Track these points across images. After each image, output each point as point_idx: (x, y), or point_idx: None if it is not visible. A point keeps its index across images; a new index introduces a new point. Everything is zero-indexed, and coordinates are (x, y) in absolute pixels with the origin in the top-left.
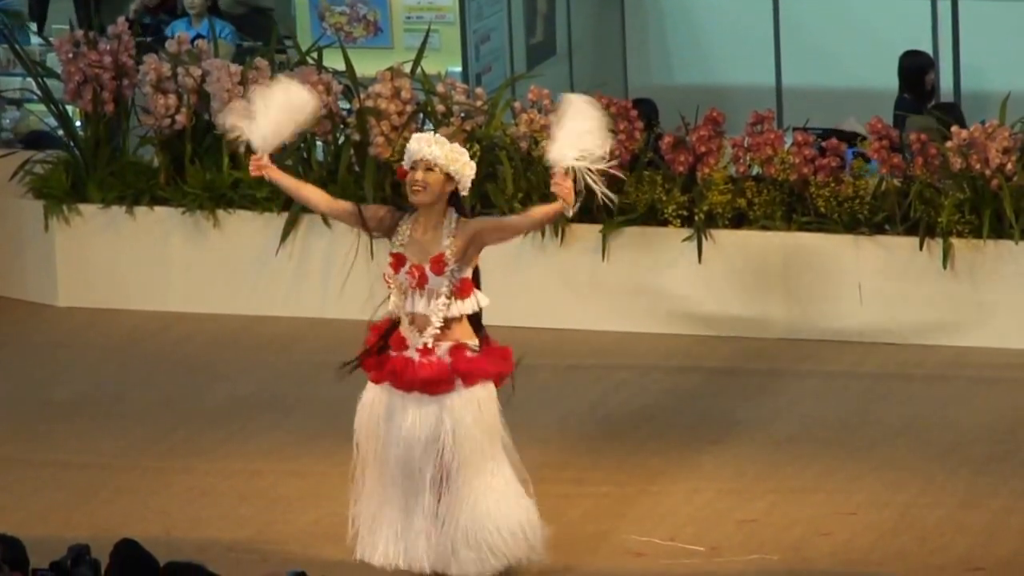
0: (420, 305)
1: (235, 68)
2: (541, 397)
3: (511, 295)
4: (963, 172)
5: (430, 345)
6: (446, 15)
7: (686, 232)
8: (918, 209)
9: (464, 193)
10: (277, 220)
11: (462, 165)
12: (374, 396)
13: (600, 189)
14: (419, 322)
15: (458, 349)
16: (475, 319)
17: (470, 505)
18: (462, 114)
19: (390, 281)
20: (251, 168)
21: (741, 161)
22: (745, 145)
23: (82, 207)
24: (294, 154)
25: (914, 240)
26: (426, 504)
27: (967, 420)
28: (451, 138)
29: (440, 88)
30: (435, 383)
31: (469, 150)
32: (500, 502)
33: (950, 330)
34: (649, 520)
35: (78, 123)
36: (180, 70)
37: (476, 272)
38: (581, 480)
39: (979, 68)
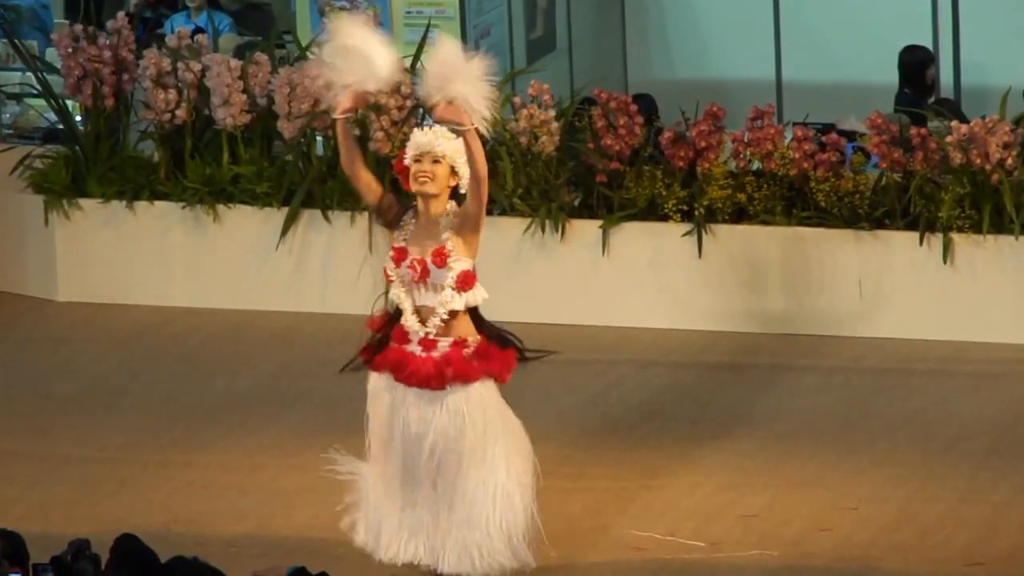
0: (425, 298)
1: (235, 63)
2: (541, 392)
3: (511, 290)
4: (963, 167)
5: (432, 336)
6: (446, 10)
7: (686, 227)
8: (918, 204)
9: (463, 191)
10: (277, 215)
11: (464, 161)
12: (376, 385)
13: (481, 112)
14: (424, 314)
15: (457, 346)
16: (475, 314)
17: (465, 504)
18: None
19: (391, 275)
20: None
21: (741, 156)
22: (745, 140)
23: (82, 202)
24: (294, 148)
25: (914, 235)
26: (424, 499)
27: (967, 415)
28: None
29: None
30: (433, 379)
31: None
32: (493, 505)
33: (950, 325)
34: (649, 515)
35: (78, 118)
36: (180, 65)
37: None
38: (581, 475)
39: (979, 63)
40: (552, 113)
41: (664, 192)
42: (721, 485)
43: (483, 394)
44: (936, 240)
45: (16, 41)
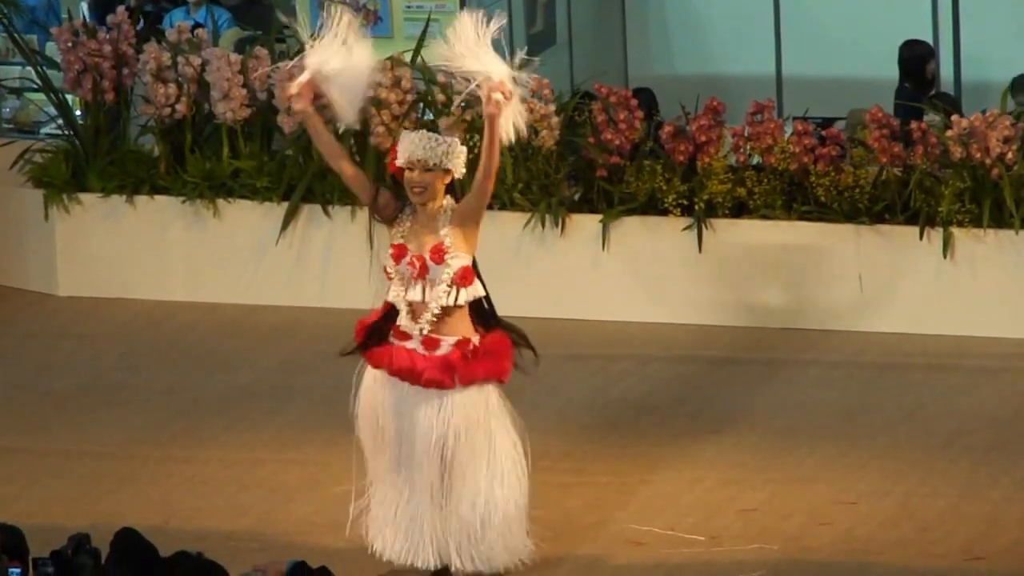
0: (419, 293)
1: (235, 57)
2: (541, 387)
3: (511, 285)
4: (963, 161)
5: (426, 332)
6: (446, 4)
7: (686, 221)
8: (918, 198)
9: (459, 177)
10: (277, 209)
11: (456, 157)
12: (373, 382)
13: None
14: (417, 310)
15: (460, 346)
16: (478, 310)
17: (464, 502)
18: (462, 104)
19: (391, 272)
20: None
21: (741, 150)
22: (745, 134)
23: (82, 196)
24: (294, 143)
25: (914, 229)
26: (422, 497)
27: (968, 410)
28: (451, 128)
29: (440, 78)
30: (435, 380)
31: (469, 140)
32: (492, 502)
33: (950, 319)
34: (649, 510)
35: (78, 112)
36: (180, 59)
37: (474, 263)
38: (581, 469)
39: (979, 57)
40: (552, 107)
41: (664, 186)
42: (721, 480)
43: (483, 394)
44: (936, 235)
45: (16, 36)
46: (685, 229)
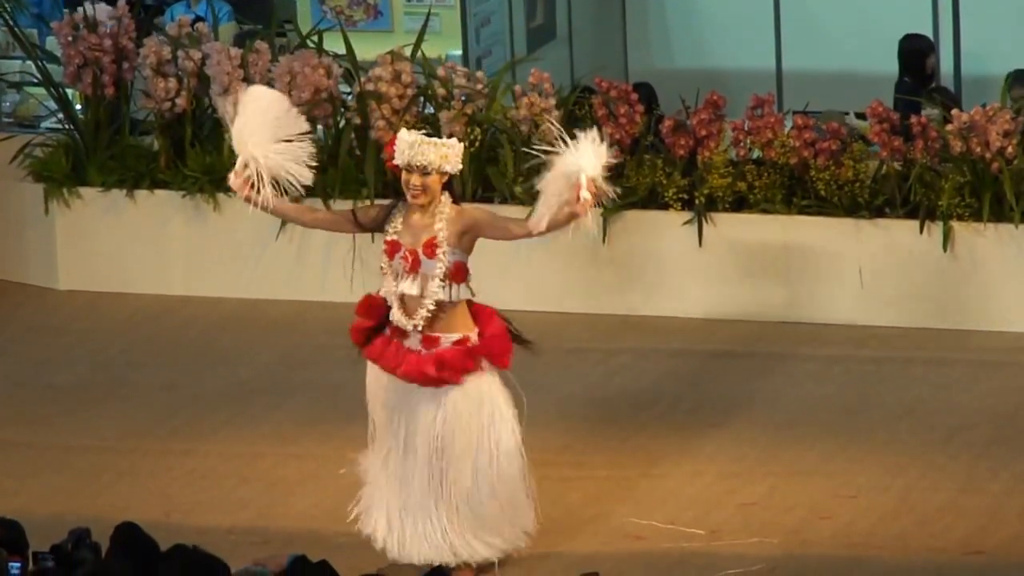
0: (412, 288)
1: (235, 51)
2: (541, 380)
3: (511, 278)
4: (963, 155)
5: (421, 327)
6: None
7: (686, 215)
8: (918, 192)
9: (455, 173)
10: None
11: (454, 157)
12: (375, 377)
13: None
14: (410, 305)
15: (458, 344)
16: (484, 308)
17: (463, 496)
18: (463, 97)
19: (384, 268)
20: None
21: (741, 145)
22: (745, 129)
23: (82, 190)
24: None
25: (914, 223)
26: (422, 494)
27: (968, 403)
28: (452, 121)
29: (441, 72)
30: (431, 378)
31: (469, 134)
32: (491, 495)
33: (950, 313)
34: (649, 503)
35: (78, 106)
36: (180, 53)
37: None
38: (581, 463)
39: (979, 51)
40: (552, 102)
41: (664, 181)
42: (721, 473)
43: (481, 388)
44: (936, 228)
45: (16, 29)
46: (685, 223)
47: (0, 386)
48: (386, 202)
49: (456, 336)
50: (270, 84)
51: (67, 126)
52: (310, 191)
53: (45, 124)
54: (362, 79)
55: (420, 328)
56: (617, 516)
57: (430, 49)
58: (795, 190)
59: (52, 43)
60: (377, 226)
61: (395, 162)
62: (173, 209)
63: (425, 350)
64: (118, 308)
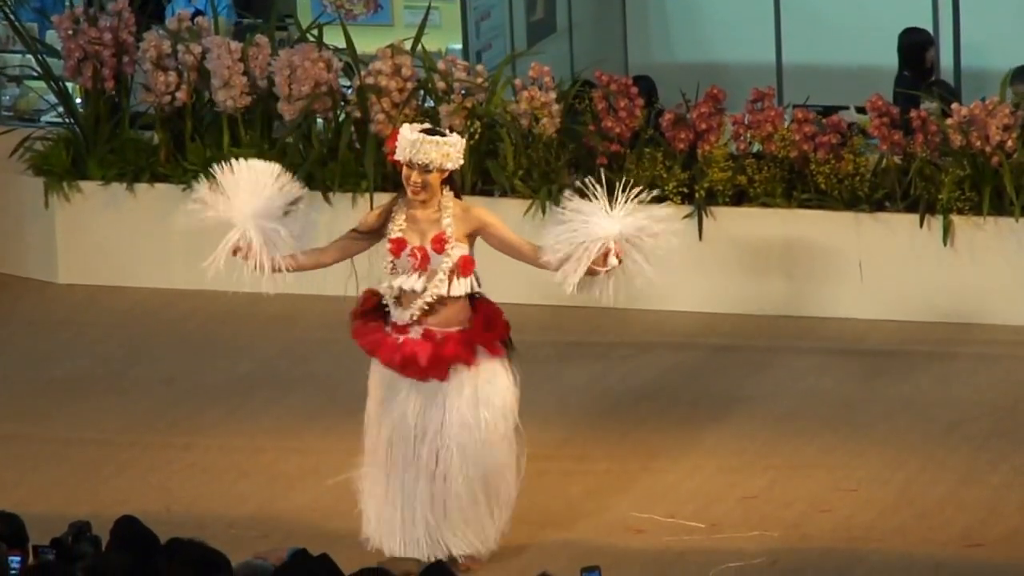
0: (416, 284)
1: (235, 45)
2: (542, 374)
3: (512, 272)
4: (963, 149)
5: (416, 317)
6: None
7: (686, 209)
8: (918, 186)
9: (457, 168)
10: None
11: (455, 155)
12: (380, 374)
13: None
14: (407, 299)
15: (460, 335)
16: (484, 302)
17: (461, 489)
18: (463, 91)
19: (389, 265)
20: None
21: (741, 138)
22: (745, 122)
23: (82, 184)
24: (295, 131)
25: (914, 217)
26: (423, 490)
27: (967, 397)
28: (452, 115)
29: (441, 65)
30: (432, 371)
31: (469, 127)
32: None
33: (950, 307)
34: (649, 497)
35: (78, 100)
36: (180, 47)
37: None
38: (581, 457)
39: (979, 45)
40: (553, 95)
41: (664, 174)
42: (721, 467)
43: (483, 380)
44: (936, 222)
45: (16, 23)
46: (685, 217)
47: (0, 380)
48: (383, 203)
49: (454, 330)
50: (271, 78)
51: (67, 120)
52: (310, 185)
53: (45, 118)
54: (362, 73)
55: (416, 318)
56: (617, 510)
57: (430, 43)
58: (795, 184)
59: (52, 37)
60: (380, 228)
61: (396, 157)
62: (173, 203)
63: (425, 341)
64: (118, 302)
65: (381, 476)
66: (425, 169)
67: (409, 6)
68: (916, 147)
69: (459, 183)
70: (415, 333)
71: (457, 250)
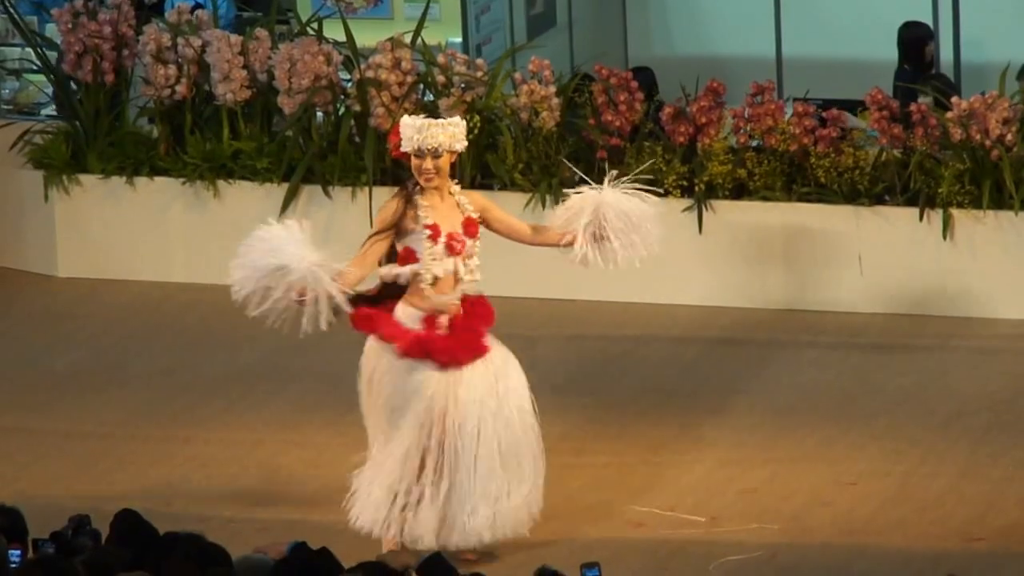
0: (451, 267)
1: (235, 39)
2: (541, 368)
3: (511, 265)
4: (963, 143)
5: (457, 301)
6: None
7: (686, 203)
8: (918, 180)
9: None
10: (277, 190)
11: (460, 135)
12: (374, 349)
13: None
14: (444, 284)
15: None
16: None
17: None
18: (462, 85)
19: (423, 252)
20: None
21: (742, 132)
22: (745, 116)
23: (82, 177)
24: (295, 125)
25: (914, 211)
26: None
27: (967, 390)
28: (451, 109)
29: (440, 59)
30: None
31: (469, 121)
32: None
33: (950, 300)
34: (649, 490)
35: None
36: (180, 40)
37: None
38: (581, 450)
39: (979, 39)
40: (552, 89)
41: (664, 168)
42: (721, 460)
43: (494, 368)
44: (936, 216)
45: (16, 16)
46: (685, 210)
47: (0, 373)
48: (390, 202)
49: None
50: (270, 71)
51: (65, 113)
52: (310, 179)
53: (45, 111)
54: (362, 66)
55: (457, 301)
56: (617, 503)
57: (430, 36)
58: (795, 177)
59: (52, 30)
60: (397, 224)
61: (403, 150)
62: (173, 196)
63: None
64: (118, 295)
65: (390, 461)
66: (435, 154)
67: (409, 0)
68: (916, 141)
69: (457, 173)
70: (444, 320)
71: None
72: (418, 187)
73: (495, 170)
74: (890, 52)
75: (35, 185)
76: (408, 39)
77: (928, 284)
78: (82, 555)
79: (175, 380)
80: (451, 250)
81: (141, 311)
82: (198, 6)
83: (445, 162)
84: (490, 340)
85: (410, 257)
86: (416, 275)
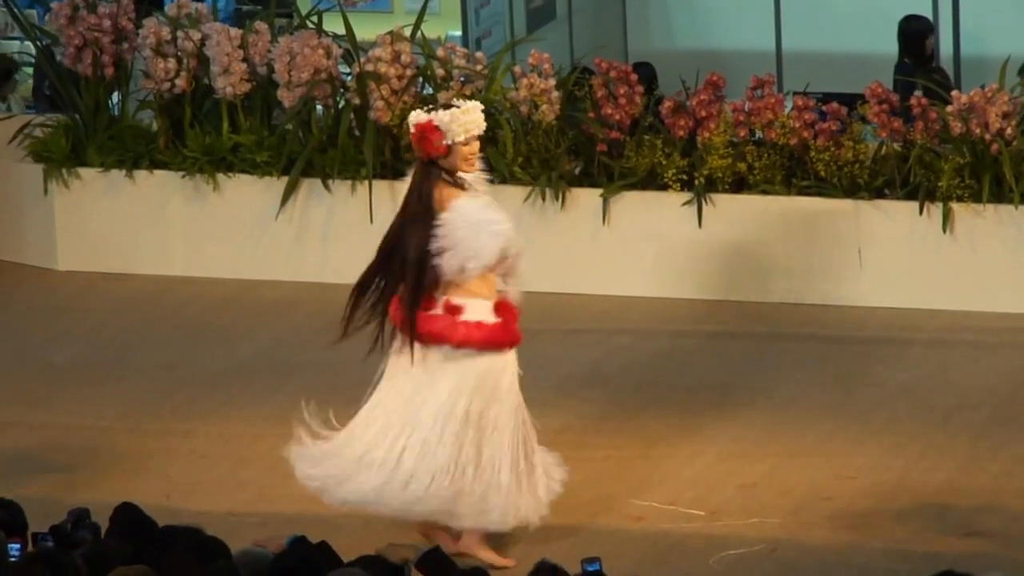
0: None
1: (235, 32)
2: (541, 361)
3: None
4: (963, 136)
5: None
6: None
7: (686, 196)
8: (918, 174)
9: None
10: (277, 184)
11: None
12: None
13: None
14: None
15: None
16: None
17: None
18: (462, 78)
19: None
20: None
21: (742, 125)
22: (745, 109)
23: (81, 171)
24: (295, 118)
25: (914, 204)
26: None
27: (967, 384)
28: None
29: (440, 52)
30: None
31: None
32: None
33: (950, 294)
34: (649, 484)
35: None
36: (180, 34)
37: None
38: (581, 444)
39: (979, 33)
40: (552, 82)
41: (664, 161)
42: (721, 454)
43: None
44: (936, 210)
45: (15, 10)
46: (685, 204)
47: None
48: (415, 193)
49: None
50: (270, 64)
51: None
52: (310, 172)
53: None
54: (361, 60)
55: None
56: (617, 497)
57: (430, 30)
58: (795, 171)
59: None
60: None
61: (452, 141)
62: (172, 189)
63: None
64: (117, 288)
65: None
66: (478, 136)
67: None
68: (916, 134)
69: None
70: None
71: None
72: (454, 177)
73: (495, 163)
74: (890, 46)
75: (34, 178)
76: (408, 32)
77: (928, 278)
78: (82, 549)
79: (175, 374)
80: None
81: (141, 305)
82: None
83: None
84: None
85: None
86: None
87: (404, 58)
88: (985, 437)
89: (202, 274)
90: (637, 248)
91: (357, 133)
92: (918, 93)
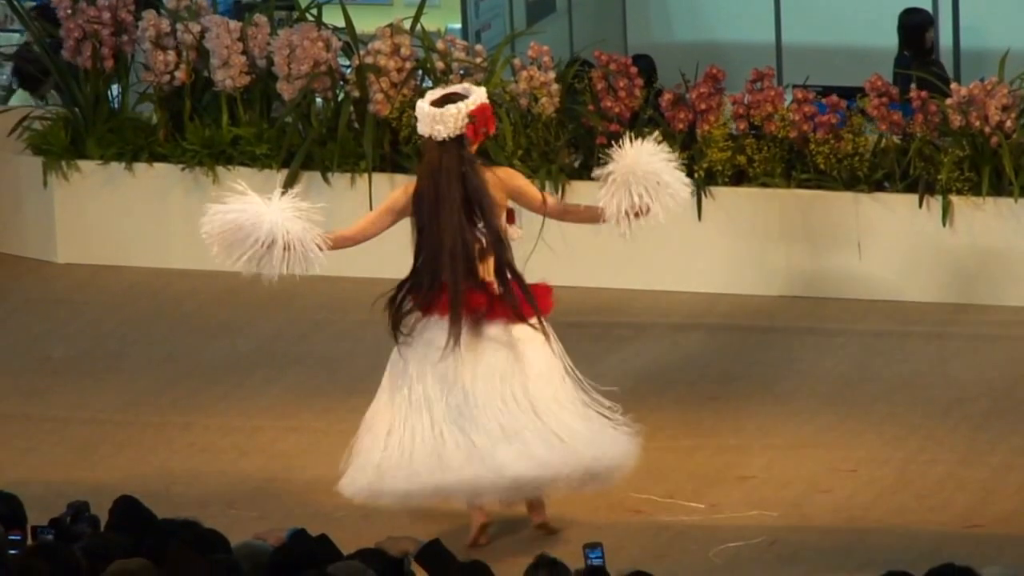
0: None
1: (234, 24)
2: None
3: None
4: (962, 129)
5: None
6: None
7: None
8: (918, 166)
9: None
10: (277, 176)
11: None
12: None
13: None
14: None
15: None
16: None
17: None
18: (461, 71)
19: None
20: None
21: (741, 118)
22: (745, 102)
23: (81, 163)
24: (294, 111)
25: (913, 197)
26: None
27: (966, 377)
28: None
29: (440, 45)
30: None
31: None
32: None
33: (949, 287)
34: (648, 477)
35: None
36: (179, 26)
37: None
38: None
39: (978, 26)
40: (552, 75)
41: None
42: (720, 447)
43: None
44: (935, 202)
45: (14, 2)
46: None
47: None
48: (478, 174)
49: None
50: (270, 57)
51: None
52: (309, 165)
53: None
54: (361, 52)
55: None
56: (616, 490)
57: (429, 22)
58: (794, 164)
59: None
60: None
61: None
62: (172, 182)
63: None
64: (116, 281)
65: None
66: None
67: None
68: (915, 127)
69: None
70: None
71: None
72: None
73: (494, 156)
74: (890, 39)
75: (34, 171)
76: (407, 25)
77: (927, 271)
78: (81, 541)
79: (174, 366)
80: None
81: (140, 297)
82: None
83: None
84: None
85: (511, 218)
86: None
87: (404, 51)
88: (985, 429)
89: (201, 267)
90: (636, 241)
91: (356, 126)
92: (914, 86)
